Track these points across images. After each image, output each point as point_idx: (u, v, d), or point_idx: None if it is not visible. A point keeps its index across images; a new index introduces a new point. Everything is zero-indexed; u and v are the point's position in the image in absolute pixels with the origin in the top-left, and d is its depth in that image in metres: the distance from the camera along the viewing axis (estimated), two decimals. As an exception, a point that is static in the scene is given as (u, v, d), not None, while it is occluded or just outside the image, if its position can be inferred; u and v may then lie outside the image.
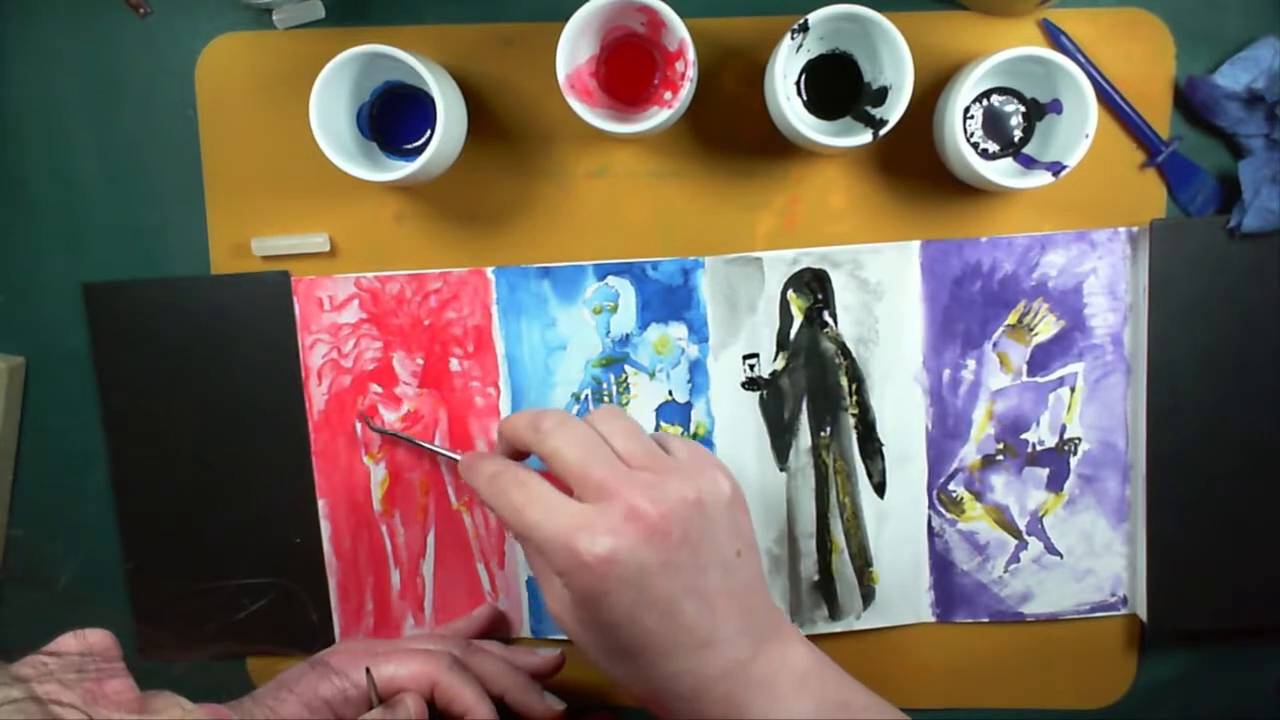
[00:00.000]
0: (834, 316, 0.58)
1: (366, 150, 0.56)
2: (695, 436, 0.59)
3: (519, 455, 0.51)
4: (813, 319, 0.58)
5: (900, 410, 0.58)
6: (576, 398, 0.59)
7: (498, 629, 0.60)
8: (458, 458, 0.55)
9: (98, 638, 0.38)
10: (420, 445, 0.58)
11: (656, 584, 0.43)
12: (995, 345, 0.58)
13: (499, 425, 0.51)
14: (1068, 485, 0.59)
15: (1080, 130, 0.51)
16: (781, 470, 0.58)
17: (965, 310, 0.58)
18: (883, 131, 0.51)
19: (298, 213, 0.58)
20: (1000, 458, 0.59)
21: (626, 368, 0.59)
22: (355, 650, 0.53)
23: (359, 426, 0.59)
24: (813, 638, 0.59)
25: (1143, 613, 0.58)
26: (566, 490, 0.46)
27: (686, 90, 0.51)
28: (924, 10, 0.56)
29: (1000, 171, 0.53)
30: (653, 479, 0.45)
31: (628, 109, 0.55)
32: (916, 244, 0.57)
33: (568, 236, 0.58)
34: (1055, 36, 0.56)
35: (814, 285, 0.57)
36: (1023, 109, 0.56)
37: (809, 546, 0.59)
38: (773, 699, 0.45)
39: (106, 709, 0.35)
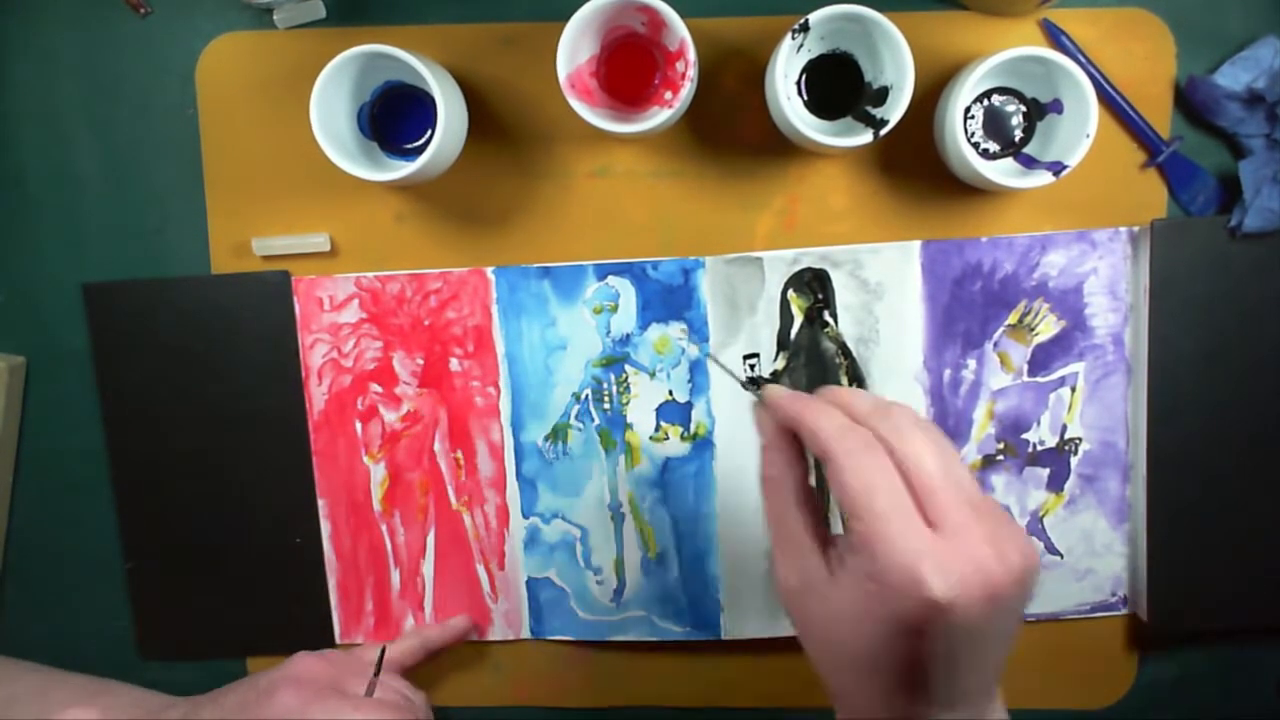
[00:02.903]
0: (834, 316, 0.58)
1: (367, 150, 0.56)
2: (695, 436, 0.59)
3: (789, 437, 0.42)
4: (813, 319, 0.58)
5: (900, 410, 0.58)
6: (577, 397, 0.59)
7: (469, 636, 0.60)
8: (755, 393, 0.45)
9: None
10: (723, 368, 0.55)
11: (964, 645, 0.39)
12: (996, 345, 0.58)
13: (821, 391, 0.42)
14: (1068, 485, 0.59)
15: (1081, 130, 0.51)
16: (782, 470, 0.58)
17: (966, 310, 0.58)
18: (883, 131, 0.51)
19: (298, 213, 0.58)
20: (1001, 457, 0.59)
21: (627, 367, 0.58)
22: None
23: (359, 426, 0.59)
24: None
25: (1143, 613, 0.58)
26: None
27: (687, 90, 0.51)
28: (924, 10, 0.56)
29: (1001, 171, 0.53)
30: (997, 533, 0.39)
31: (628, 109, 0.55)
32: (917, 244, 0.57)
33: (568, 236, 0.58)
34: (1056, 36, 0.56)
35: (814, 285, 0.57)
36: (1023, 109, 0.56)
37: (809, 546, 0.59)
38: None
39: None
